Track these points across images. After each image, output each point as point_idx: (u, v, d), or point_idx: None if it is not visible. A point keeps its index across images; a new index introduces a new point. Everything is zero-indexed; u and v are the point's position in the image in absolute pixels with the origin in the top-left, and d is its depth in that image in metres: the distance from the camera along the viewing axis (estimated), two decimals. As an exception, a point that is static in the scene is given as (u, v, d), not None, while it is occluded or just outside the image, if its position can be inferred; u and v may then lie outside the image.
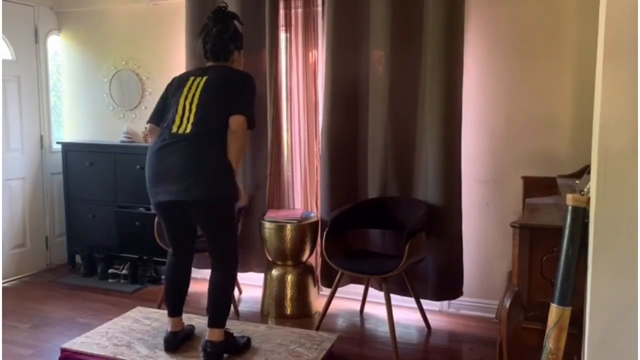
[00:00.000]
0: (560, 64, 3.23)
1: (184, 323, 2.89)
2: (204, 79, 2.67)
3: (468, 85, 3.32)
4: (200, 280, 4.17)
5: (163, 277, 4.08)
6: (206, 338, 2.71)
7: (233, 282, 2.84)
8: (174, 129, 2.63)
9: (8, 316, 3.53)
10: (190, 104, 2.64)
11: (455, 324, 3.46)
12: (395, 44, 3.33)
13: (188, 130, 2.59)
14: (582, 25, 3.16)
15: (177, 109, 2.66)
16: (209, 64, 2.80)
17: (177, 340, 2.81)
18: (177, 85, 2.75)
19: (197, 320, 3.09)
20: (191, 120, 2.61)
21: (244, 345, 2.80)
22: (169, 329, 2.83)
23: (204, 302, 2.81)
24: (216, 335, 2.69)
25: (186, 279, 2.90)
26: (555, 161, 3.22)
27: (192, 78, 2.71)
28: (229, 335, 2.76)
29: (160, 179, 2.62)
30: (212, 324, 2.70)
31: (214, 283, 2.75)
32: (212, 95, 2.63)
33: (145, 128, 4.31)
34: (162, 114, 2.77)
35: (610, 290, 1.57)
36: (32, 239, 4.51)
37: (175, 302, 2.86)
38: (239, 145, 2.64)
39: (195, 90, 2.65)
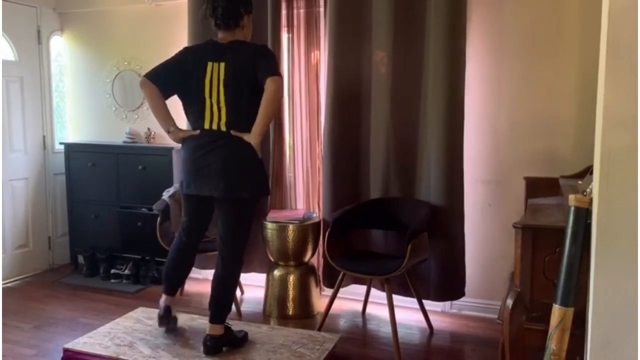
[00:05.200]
0: (562, 64, 3.22)
1: (175, 310, 3.02)
2: (222, 66, 2.64)
3: (470, 85, 3.32)
4: (202, 281, 4.18)
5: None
6: (207, 332, 2.78)
7: (237, 280, 2.94)
8: (207, 125, 2.67)
9: (11, 316, 3.54)
10: (217, 98, 2.64)
11: (457, 325, 3.45)
12: (397, 45, 3.33)
13: (223, 128, 2.65)
14: (584, 26, 3.15)
15: (203, 104, 2.66)
16: (220, 35, 2.73)
17: (170, 315, 2.95)
18: (194, 69, 2.67)
19: (200, 322, 3.10)
20: (223, 116, 2.65)
21: (242, 339, 2.89)
22: (162, 303, 2.94)
23: (206, 302, 2.83)
24: (216, 330, 2.77)
25: (191, 261, 3.01)
26: (558, 162, 3.22)
27: (210, 65, 2.65)
28: (227, 329, 2.83)
29: (199, 175, 2.69)
30: (213, 320, 2.77)
31: (219, 279, 2.80)
32: (236, 85, 2.63)
33: (149, 129, 4.39)
34: (165, 80, 2.71)
35: (613, 291, 1.57)
36: (34, 239, 4.52)
37: (174, 280, 2.99)
38: (275, 107, 2.63)
39: (218, 82, 2.63)
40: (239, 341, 2.86)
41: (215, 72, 2.64)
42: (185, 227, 2.94)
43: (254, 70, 2.60)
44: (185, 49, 2.82)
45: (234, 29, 2.72)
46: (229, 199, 2.68)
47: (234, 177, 2.65)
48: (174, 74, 2.72)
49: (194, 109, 2.72)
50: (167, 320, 2.96)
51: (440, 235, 3.28)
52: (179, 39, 4.07)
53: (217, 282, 2.80)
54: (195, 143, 2.70)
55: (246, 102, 2.64)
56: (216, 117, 2.66)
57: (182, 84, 2.71)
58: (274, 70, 2.60)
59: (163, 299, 2.96)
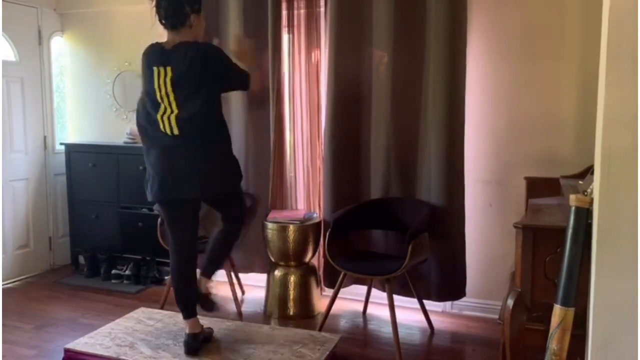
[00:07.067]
0: (563, 64, 3.22)
1: (201, 325, 2.85)
2: (169, 70, 2.58)
3: (471, 85, 3.32)
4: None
5: (166, 277, 4.10)
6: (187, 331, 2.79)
7: (239, 236, 2.99)
8: (162, 128, 2.61)
9: (11, 317, 3.54)
10: (168, 101, 2.58)
11: (458, 325, 3.45)
12: (397, 45, 3.33)
13: (176, 132, 2.58)
14: (585, 26, 3.15)
15: (156, 109, 2.61)
16: (168, 36, 2.69)
17: (198, 342, 2.78)
18: (145, 75, 2.67)
19: (200, 322, 3.09)
20: (173, 120, 2.58)
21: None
22: (187, 331, 2.79)
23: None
24: (204, 283, 2.89)
25: (193, 279, 2.87)
26: (559, 162, 3.22)
27: (156, 70, 2.61)
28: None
29: (167, 179, 2.66)
30: (206, 272, 2.89)
31: (224, 233, 2.90)
32: (185, 88, 2.57)
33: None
34: None
35: (613, 291, 1.57)
36: (35, 239, 4.52)
37: (187, 303, 2.82)
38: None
39: (165, 86, 2.58)
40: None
41: (162, 77, 2.59)
42: (173, 242, 2.80)
43: (201, 80, 2.57)
44: (143, 54, 2.77)
45: (180, 29, 2.66)
46: (208, 197, 2.75)
47: (202, 178, 2.63)
48: None
49: (151, 112, 2.65)
50: (193, 347, 2.76)
51: (440, 235, 3.27)
52: (179, 40, 4.07)
53: (222, 235, 2.90)
54: (156, 146, 2.67)
55: (199, 103, 2.58)
56: (167, 121, 2.59)
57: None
58: (244, 79, 2.79)
59: (186, 326, 2.79)
